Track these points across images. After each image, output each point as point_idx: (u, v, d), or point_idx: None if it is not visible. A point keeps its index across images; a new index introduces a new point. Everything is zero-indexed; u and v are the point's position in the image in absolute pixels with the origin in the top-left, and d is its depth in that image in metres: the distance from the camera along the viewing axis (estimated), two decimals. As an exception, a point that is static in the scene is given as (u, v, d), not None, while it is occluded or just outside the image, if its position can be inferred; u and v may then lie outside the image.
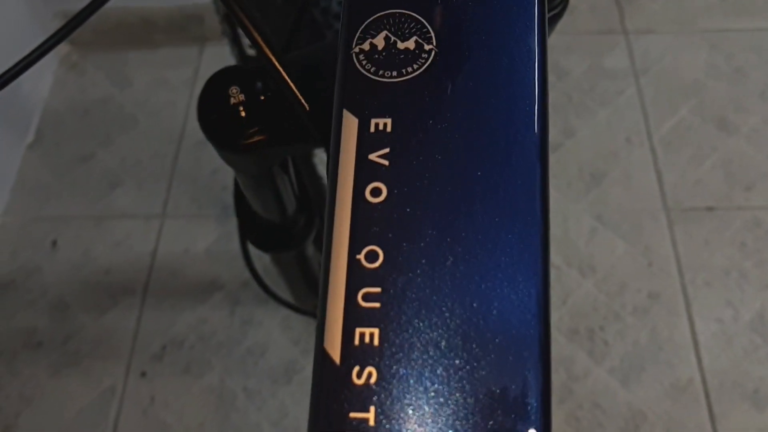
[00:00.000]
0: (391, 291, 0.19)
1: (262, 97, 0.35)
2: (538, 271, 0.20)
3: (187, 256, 1.22)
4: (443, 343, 0.19)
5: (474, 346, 0.19)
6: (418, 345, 0.19)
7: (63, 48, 1.47)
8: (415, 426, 0.18)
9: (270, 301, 1.14)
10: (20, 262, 1.23)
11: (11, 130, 1.34)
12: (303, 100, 0.29)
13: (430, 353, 0.19)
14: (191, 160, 1.31)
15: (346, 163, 0.21)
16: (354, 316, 0.19)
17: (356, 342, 0.19)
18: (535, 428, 0.18)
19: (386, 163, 0.21)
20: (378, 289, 0.20)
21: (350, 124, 0.22)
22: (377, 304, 0.19)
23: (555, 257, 1.16)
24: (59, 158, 1.34)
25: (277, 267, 0.63)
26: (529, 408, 0.18)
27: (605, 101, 1.33)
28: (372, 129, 0.22)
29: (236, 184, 0.50)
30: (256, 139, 0.35)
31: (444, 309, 0.19)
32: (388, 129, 0.21)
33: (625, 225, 1.19)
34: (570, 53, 1.39)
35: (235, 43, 0.82)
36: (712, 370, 1.06)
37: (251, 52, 0.80)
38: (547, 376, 0.19)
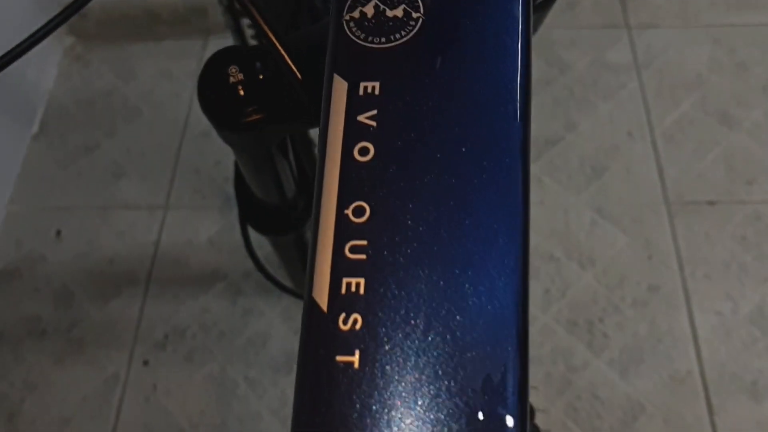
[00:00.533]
0: (377, 244, 0.20)
1: (261, 77, 0.36)
2: (520, 225, 0.20)
3: (189, 246, 1.23)
4: (425, 292, 0.20)
5: (454, 294, 0.20)
6: (402, 294, 0.20)
7: (67, 40, 1.47)
8: (398, 369, 0.19)
9: (271, 292, 1.15)
10: (25, 252, 1.24)
11: (16, 121, 1.35)
12: (295, 70, 0.30)
13: (413, 302, 0.20)
14: (194, 152, 1.32)
15: (336, 123, 0.22)
16: (341, 267, 0.20)
17: (343, 291, 0.20)
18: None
19: (374, 123, 0.22)
20: (364, 242, 0.20)
21: (340, 87, 0.23)
22: (363, 256, 0.20)
23: (555, 250, 1.17)
24: (64, 149, 1.35)
25: (277, 251, 0.64)
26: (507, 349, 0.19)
27: (607, 95, 1.33)
28: (361, 92, 0.22)
29: (236, 168, 0.51)
30: (254, 117, 0.36)
31: (426, 261, 0.20)
32: (377, 92, 0.22)
33: (625, 218, 1.19)
34: (572, 47, 1.40)
35: (238, 35, 0.83)
36: (710, 363, 1.07)
37: (254, 43, 0.81)
38: (525, 303, 0.20)
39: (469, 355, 0.19)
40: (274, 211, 0.52)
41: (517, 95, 0.22)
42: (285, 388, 1.08)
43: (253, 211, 0.53)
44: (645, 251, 1.16)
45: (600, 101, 1.33)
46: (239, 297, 1.16)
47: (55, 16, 0.32)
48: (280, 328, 1.13)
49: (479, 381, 0.19)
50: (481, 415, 0.19)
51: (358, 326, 0.20)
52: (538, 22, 0.43)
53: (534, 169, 1.25)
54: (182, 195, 1.28)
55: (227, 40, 0.93)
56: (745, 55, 1.36)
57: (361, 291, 0.20)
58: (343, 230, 0.21)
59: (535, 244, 1.17)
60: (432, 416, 0.19)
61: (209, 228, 1.24)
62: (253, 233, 0.61)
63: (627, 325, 1.10)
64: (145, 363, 1.12)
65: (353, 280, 0.20)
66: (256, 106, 0.36)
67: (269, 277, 0.65)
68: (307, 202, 0.52)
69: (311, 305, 0.20)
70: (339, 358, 0.19)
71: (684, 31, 1.40)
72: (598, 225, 1.19)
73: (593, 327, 1.10)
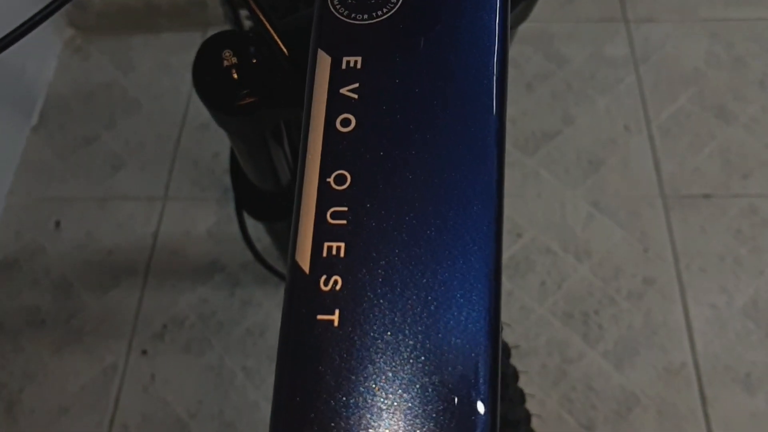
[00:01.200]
0: (357, 210, 0.21)
1: (255, 60, 0.37)
2: (493, 192, 0.21)
3: (188, 237, 1.23)
4: (403, 257, 0.21)
5: (430, 258, 0.21)
6: (380, 258, 0.21)
7: (67, 32, 1.48)
8: (376, 328, 0.20)
9: (269, 283, 1.16)
10: (24, 242, 1.25)
11: (16, 112, 1.36)
12: (281, 44, 0.31)
13: (392, 265, 0.21)
14: (193, 144, 1.33)
15: (319, 96, 0.23)
16: (322, 232, 0.21)
17: (324, 254, 0.21)
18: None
19: (356, 96, 0.23)
20: (345, 209, 0.21)
21: (323, 61, 0.23)
22: (344, 222, 0.21)
23: (551, 243, 1.17)
24: (63, 141, 1.36)
25: (272, 238, 0.65)
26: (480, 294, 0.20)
27: (605, 89, 1.34)
28: (343, 66, 0.23)
29: (232, 154, 0.51)
30: (248, 100, 0.36)
31: (404, 227, 0.21)
32: (359, 66, 0.23)
33: (621, 211, 1.20)
34: (570, 41, 1.40)
35: (237, 27, 0.83)
36: (704, 355, 1.07)
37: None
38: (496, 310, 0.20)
39: (443, 319, 0.20)
40: (270, 198, 0.53)
41: (494, 75, 0.23)
42: (282, 378, 1.09)
43: (249, 198, 0.54)
44: (641, 244, 1.17)
45: (597, 95, 1.33)
46: (237, 288, 1.17)
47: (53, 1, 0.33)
48: (278, 318, 1.14)
49: (453, 344, 0.20)
50: (455, 370, 0.20)
51: (338, 287, 0.21)
52: (527, 12, 0.43)
53: (531, 162, 1.26)
54: (181, 186, 1.28)
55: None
56: (743, 50, 1.37)
57: (342, 254, 0.21)
58: (325, 197, 0.22)
59: (532, 236, 1.18)
60: (406, 375, 0.19)
61: (208, 219, 1.24)
62: (249, 221, 0.62)
63: (622, 317, 1.11)
64: (144, 353, 1.13)
65: (334, 244, 0.21)
66: (250, 90, 0.37)
67: (265, 263, 0.66)
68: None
69: (294, 268, 0.21)
70: (320, 317, 0.20)
71: (682, 25, 1.41)
72: (595, 218, 1.19)
73: (589, 319, 1.11)
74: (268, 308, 1.15)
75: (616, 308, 1.11)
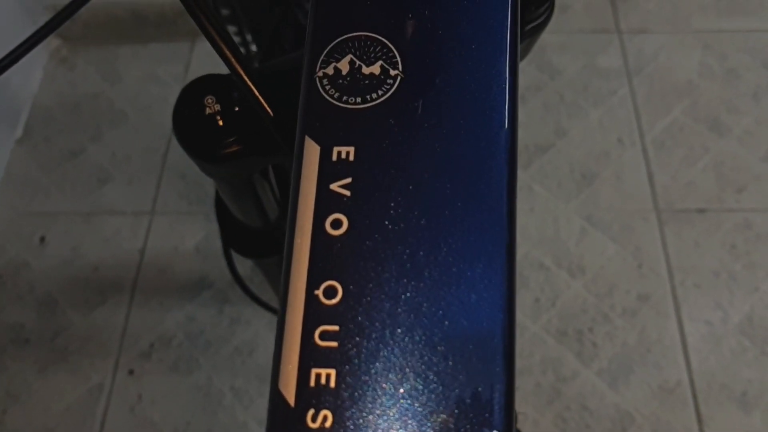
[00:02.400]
0: (350, 329, 0.19)
1: (237, 108, 0.35)
2: (503, 307, 0.19)
3: (176, 253, 1.21)
4: (402, 387, 0.18)
5: (435, 383, 0.18)
6: (376, 388, 0.18)
7: (53, 42, 1.45)
8: None
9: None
10: (8, 258, 1.22)
11: (0, 124, 1.33)
12: (267, 107, 0.29)
13: (388, 397, 0.18)
14: (181, 156, 1.29)
15: (307, 192, 0.21)
16: (310, 356, 0.19)
17: (312, 383, 0.18)
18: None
19: (348, 193, 0.20)
20: (336, 328, 0.19)
21: (312, 151, 0.21)
22: (335, 344, 0.19)
23: (544, 258, 1.16)
24: (48, 153, 1.33)
25: (262, 272, 0.63)
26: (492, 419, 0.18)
27: (598, 101, 1.32)
28: (334, 157, 0.21)
29: (217, 192, 0.49)
30: (232, 149, 0.35)
31: (404, 348, 0.19)
32: (351, 158, 0.21)
33: (615, 226, 1.18)
34: (563, 52, 1.39)
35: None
36: (700, 372, 1.06)
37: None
38: (510, 388, 0.18)
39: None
40: (258, 234, 0.51)
41: (504, 159, 0.21)
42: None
43: (236, 235, 0.52)
44: (635, 259, 1.15)
45: (590, 107, 1.32)
46: (226, 305, 1.15)
47: (47, 23, 0.31)
48: (267, 337, 1.12)
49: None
50: None
51: (327, 424, 0.18)
52: (529, 48, 0.42)
53: (524, 176, 1.24)
54: (168, 201, 1.26)
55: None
56: (736, 61, 1.36)
57: (332, 384, 0.18)
58: (313, 313, 0.19)
59: (525, 252, 1.16)
60: None
61: (196, 234, 1.22)
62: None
63: (616, 334, 1.09)
64: (130, 372, 1.11)
65: (323, 371, 0.18)
66: (235, 137, 0.35)
67: (254, 297, 0.64)
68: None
69: (277, 398, 0.19)
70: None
71: (675, 36, 1.39)
72: (588, 233, 1.18)
73: (583, 336, 1.09)
74: (258, 327, 1.13)
75: (610, 325, 1.10)
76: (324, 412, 0.18)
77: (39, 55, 1.43)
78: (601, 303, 1.12)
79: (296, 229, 0.20)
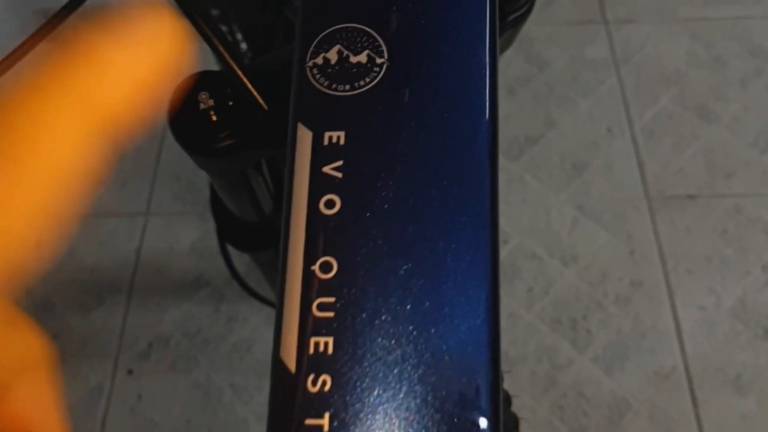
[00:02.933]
0: (345, 301, 0.20)
1: (231, 102, 0.36)
2: (488, 276, 0.20)
3: (171, 253, 1.22)
4: (396, 350, 0.19)
5: (426, 351, 0.19)
6: (372, 352, 0.20)
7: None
8: (370, 431, 0.19)
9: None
10: (4, 263, 1.22)
11: (-8, 129, 1.34)
12: (260, 100, 0.30)
13: (383, 360, 0.19)
14: (174, 157, 1.31)
15: (301, 175, 0.22)
16: (309, 326, 0.20)
17: (311, 351, 0.20)
18: (486, 417, 0.19)
19: (339, 175, 0.22)
20: (332, 299, 0.20)
21: (304, 137, 0.22)
22: (331, 314, 0.20)
23: (537, 248, 1.17)
24: (41, 157, 1.33)
25: (258, 266, 0.64)
26: (479, 402, 0.19)
27: (586, 92, 1.34)
28: (326, 142, 0.22)
29: (212, 187, 0.50)
30: (227, 143, 0.35)
31: (396, 317, 0.20)
32: (342, 142, 0.22)
33: (606, 214, 1.20)
34: (551, 44, 1.40)
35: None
36: (694, 357, 1.07)
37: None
38: (496, 375, 0.19)
39: (441, 410, 0.19)
40: (253, 228, 0.52)
41: (486, 139, 0.22)
42: (271, 394, 1.08)
43: (231, 229, 0.53)
44: (627, 247, 1.16)
45: (579, 98, 1.33)
46: (223, 303, 1.16)
47: (39, 28, 0.31)
48: (264, 333, 1.13)
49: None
50: None
51: (327, 388, 0.19)
52: (511, 39, 0.43)
53: (515, 167, 1.25)
54: (163, 202, 1.27)
55: (204, 45, 0.92)
56: (723, 49, 1.37)
57: (330, 351, 0.20)
58: (311, 287, 0.20)
59: (518, 242, 1.17)
60: None
61: (191, 234, 1.23)
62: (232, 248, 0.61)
63: (610, 321, 1.10)
64: (130, 373, 1.11)
65: (321, 340, 0.20)
66: (229, 132, 0.36)
67: (251, 291, 0.65)
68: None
69: (279, 366, 0.20)
70: (308, 421, 0.19)
71: (661, 25, 1.40)
72: (580, 222, 1.19)
73: (577, 324, 1.10)
74: (255, 323, 1.13)
75: (604, 313, 1.11)
76: (323, 376, 0.19)
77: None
78: (594, 291, 1.13)
79: (292, 211, 0.21)
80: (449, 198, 0.21)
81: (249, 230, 0.52)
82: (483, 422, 0.19)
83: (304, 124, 0.22)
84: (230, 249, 0.60)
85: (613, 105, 1.31)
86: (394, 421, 0.19)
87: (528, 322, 1.11)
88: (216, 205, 0.51)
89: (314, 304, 0.20)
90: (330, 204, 0.21)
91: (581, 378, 1.06)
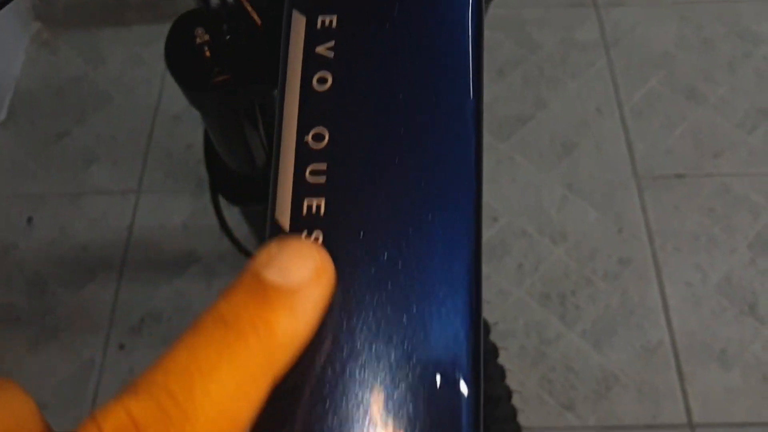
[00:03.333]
0: (336, 166, 0.21)
1: (228, 38, 0.36)
2: (472, 156, 0.21)
3: (163, 230, 1.22)
4: (383, 210, 0.21)
5: (413, 207, 0.21)
6: (361, 213, 0.21)
7: (34, 26, 1.46)
8: (357, 286, 0.20)
9: (247, 273, 1.15)
10: (-4, 240, 1.23)
11: (-16, 108, 1.34)
12: (255, 15, 0.30)
13: (372, 218, 0.21)
14: (166, 136, 1.31)
15: (294, 56, 0.23)
16: (302, 189, 0.21)
17: (304, 212, 0.21)
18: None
19: (332, 54, 0.23)
20: (324, 166, 0.21)
21: (298, 21, 0.23)
22: (323, 179, 0.21)
23: (527, 226, 1.18)
24: (33, 136, 1.34)
25: (248, 222, 0.65)
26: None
27: (576, 73, 1.35)
28: (318, 25, 0.23)
29: (206, 136, 0.51)
30: (221, 78, 0.36)
31: (383, 183, 0.21)
32: (334, 25, 0.23)
33: (596, 193, 1.21)
34: (541, 26, 1.41)
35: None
36: (681, 332, 1.09)
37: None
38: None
39: (423, 276, 0.20)
40: (245, 181, 0.52)
41: (469, 34, 0.23)
42: (262, 368, 1.08)
43: (223, 181, 0.54)
44: (615, 225, 1.18)
45: (569, 79, 1.34)
46: (214, 279, 1.16)
47: None
48: (256, 309, 1.13)
49: (435, 323, 0.20)
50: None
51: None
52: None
53: (505, 147, 1.26)
54: (154, 179, 1.27)
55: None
56: (711, 32, 1.38)
57: (322, 211, 0.21)
58: (304, 155, 0.21)
59: (508, 220, 1.18)
60: (386, 349, 0.19)
61: (182, 211, 1.23)
62: (225, 208, 0.62)
63: (599, 297, 1.12)
64: (121, 347, 1.12)
65: (314, 201, 0.21)
66: (224, 67, 0.36)
67: (240, 247, 0.65)
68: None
69: (273, 226, 0.21)
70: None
71: (651, 8, 1.42)
72: (569, 200, 1.20)
73: (566, 300, 1.11)
74: (247, 299, 1.14)
75: (592, 289, 1.12)
76: (316, 232, 0.20)
77: (20, 39, 1.44)
78: (583, 268, 1.14)
79: (286, 88, 0.22)
80: (435, 79, 0.22)
81: (241, 183, 0.53)
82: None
83: (297, 9, 0.23)
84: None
85: (603, 86, 1.33)
86: (379, 274, 0.20)
87: (518, 297, 1.12)
88: (209, 155, 0.52)
89: (307, 170, 0.21)
90: (322, 81, 0.22)
91: (570, 352, 1.08)
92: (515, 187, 1.22)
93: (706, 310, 1.10)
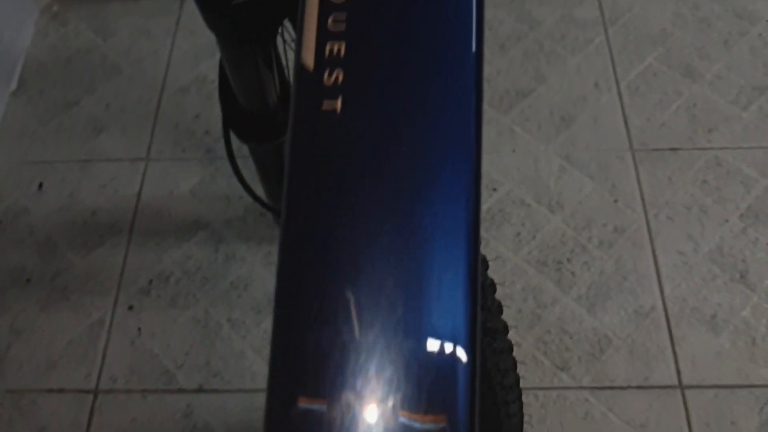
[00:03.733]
0: (355, 16, 0.24)
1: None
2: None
3: (171, 197, 1.25)
4: (393, 57, 0.24)
5: (419, 61, 0.24)
6: (377, 56, 0.24)
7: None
8: (375, 114, 0.23)
9: (253, 239, 1.18)
10: (7, 204, 1.26)
11: (-5, 78, 1.37)
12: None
13: (385, 60, 0.24)
14: (174, 106, 1.34)
15: None
16: (324, 35, 0.24)
17: (326, 54, 0.24)
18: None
19: None
20: (343, 16, 0.24)
21: None
22: (343, 27, 0.24)
23: (525, 196, 1.21)
24: (43, 105, 1.37)
25: (256, 162, 0.67)
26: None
27: (575, 49, 1.38)
28: None
29: (221, 73, 0.54)
30: (240, 0, 0.39)
31: (398, 42, 0.24)
32: None
33: (592, 165, 1.24)
34: (542, 4, 1.44)
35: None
36: (673, 298, 1.12)
37: None
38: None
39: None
40: (256, 120, 0.55)
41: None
42: (268, 328, 1.12)
43: (235, 118, 0.56)
44: (611, 195, 1.21)
45: (568, 55, 1.37)
46: (221, 244, 1.20)
47: None
48: (261, 272, 1.17)
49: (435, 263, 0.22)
50: None
51: (340, 80, 0.24)
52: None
53: (506, 119, 1.29)
54: (163, 148, 1.30)
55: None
56: (708, 11, 1.41)
57: (342, 53, 0.24)
58: (325, 9, 0.24)
59: (507, 190, 1.22)
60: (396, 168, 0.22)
61: (190, 179, 1.27)
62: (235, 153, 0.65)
63: (594, 264, 1.15)
64: (130, 308, 1.15)
65: (336, 44, 0.24)
66: None
67: (250, 191, 0.68)
68: (287, 114, 0.55)
69: (300, 68, 0.24)
70: (324, 104, 0.23)
71: (649, -13, 1.45)
72: (567, 171, 1.23)
73: (562, 266, 1.15)
74: (252, 263, 1.17)
75: (588, 256, 1.16)
76: (337, 71, 0.24)
77: (30, 11, 1.47)
78: (579, 236, 1.17)
79: None
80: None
81: (253, 121, 0.56)
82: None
83: None
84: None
85: (601, 62, 1.36)
86: (392, 112, 0.23)
87: (515, 263, 1.15)
88: (223, 92, 0.55)
89: (329, 19, 0.24)
90: None
91: (565, 316, 1.11)
92: (515, 158, 1.25)
93: (697, 277, 1.14)
